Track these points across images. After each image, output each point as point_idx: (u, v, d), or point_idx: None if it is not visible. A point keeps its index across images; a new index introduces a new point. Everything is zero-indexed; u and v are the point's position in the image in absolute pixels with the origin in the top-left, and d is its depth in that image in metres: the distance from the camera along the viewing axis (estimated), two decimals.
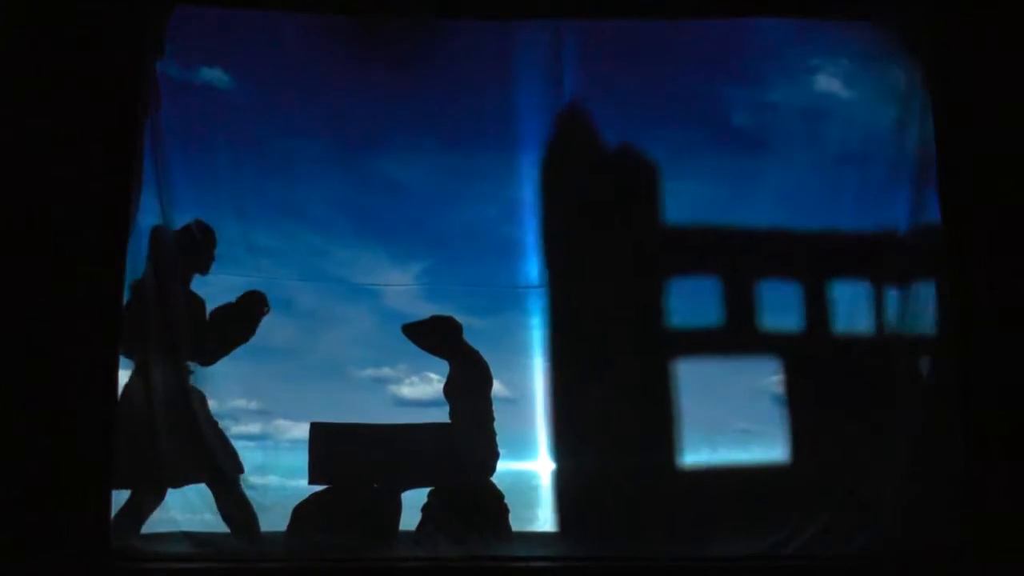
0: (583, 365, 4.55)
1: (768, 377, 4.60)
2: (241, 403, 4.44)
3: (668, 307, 4.59)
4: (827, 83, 4.69)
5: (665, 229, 4.67)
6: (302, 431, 4.39)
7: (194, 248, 4.35)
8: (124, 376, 4.00)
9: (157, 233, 4.23)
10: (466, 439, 4.40)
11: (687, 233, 4.67)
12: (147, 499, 4.07)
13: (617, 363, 4.48)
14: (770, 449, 4.46)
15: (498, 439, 4.45)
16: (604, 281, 4.53)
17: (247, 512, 4.16)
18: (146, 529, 4.05)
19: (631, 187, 4.68)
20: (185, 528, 4.08)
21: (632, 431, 4.40)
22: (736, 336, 4.62)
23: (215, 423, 4.26)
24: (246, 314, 4.42)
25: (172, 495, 4.12)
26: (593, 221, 4.60)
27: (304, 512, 4.24)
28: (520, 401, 4.58)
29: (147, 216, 4.20)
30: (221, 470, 4.16)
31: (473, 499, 4.32)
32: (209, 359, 4.32)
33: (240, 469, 4.22)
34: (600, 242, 4.57)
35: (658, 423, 4.49)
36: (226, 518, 4.13)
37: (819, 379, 4.53)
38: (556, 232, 4.66)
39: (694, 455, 4.47)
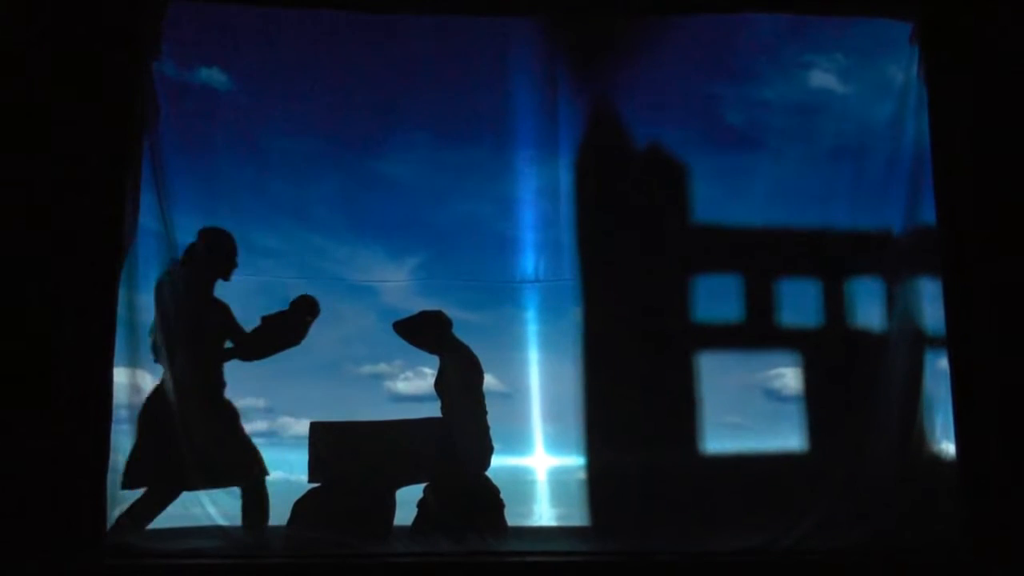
0: (613, 362, 4.56)
1: (763, 372, 4.60)
2: (250, 401, 4.49)
3: (691, 304, 4.62)
4: (822, 79, 4.68)
5: (688, 228, 4.70)
6: (303, 428, 4.42)
7: (215, 254, 4.40)
8: (121, 376, 4.03)
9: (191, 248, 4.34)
10: (459, 433, 4.40)
11: (706, 232, 4.70)
12: (163, 499, 4.13)
13: (643, 359, 4.51)
14: (765, 443, 4.46)
15: (493, 434, 4.46)
16: (631, 279, 4.57)
17: (265, 513, 4.26)
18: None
19: (658, 185, 4.70)
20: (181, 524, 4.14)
21: (655, 426, 4.43)
22: (751, 331, 4.63)
23: (242, 428, 4.33)
24: (295, 321, 4.50)
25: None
26: (621, 220, 4.63)
27: (303, 508, 4.28)
28: (515, 396, 4.61)
29: (147, 216, 4.23)
30: (247, 475, 4.26)
31: (469, 494, 4.33)
32: (254, 357, 4.44)
33: (265, 472, 4.30)
34: (627, 241, 4.59)
35: (679, 419, 4.52)
36: (245, 517, 4.22)
37: (820, 376, 4.53)
38: (586, 231, 4.68)
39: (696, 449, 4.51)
